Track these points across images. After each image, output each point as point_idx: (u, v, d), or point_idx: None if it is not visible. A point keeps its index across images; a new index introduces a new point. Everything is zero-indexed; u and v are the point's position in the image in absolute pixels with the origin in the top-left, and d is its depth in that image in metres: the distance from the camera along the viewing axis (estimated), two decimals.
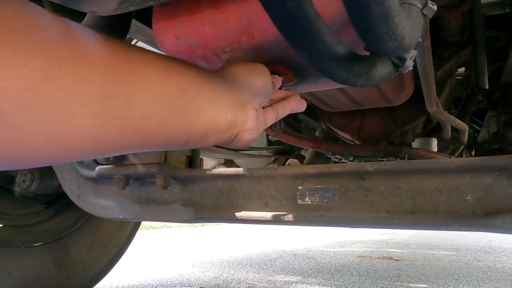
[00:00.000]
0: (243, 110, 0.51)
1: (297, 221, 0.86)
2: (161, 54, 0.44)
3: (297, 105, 0.66)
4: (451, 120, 1.19)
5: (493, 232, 0.71)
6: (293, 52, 0.56)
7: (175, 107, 0.40)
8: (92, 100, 0.32)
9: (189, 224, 6.07)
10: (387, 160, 1.28)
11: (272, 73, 0.63)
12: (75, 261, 1.49)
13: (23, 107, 0.27)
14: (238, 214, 0.94)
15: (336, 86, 0.70)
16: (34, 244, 1.36)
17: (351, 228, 0.91)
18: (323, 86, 0.70)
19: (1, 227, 1.40)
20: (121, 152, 0.39)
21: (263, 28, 0.53)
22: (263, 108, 0.58)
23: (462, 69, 1.79)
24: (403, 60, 0.42)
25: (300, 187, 0.89)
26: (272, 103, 0.63)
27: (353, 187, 0.84)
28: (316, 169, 0.86)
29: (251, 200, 0.94)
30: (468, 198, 0.74)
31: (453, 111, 1.58)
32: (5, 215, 1.38)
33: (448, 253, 3.46)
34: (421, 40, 0.45)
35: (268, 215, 0.89)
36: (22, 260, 1.31)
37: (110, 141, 0.35)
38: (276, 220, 0.89)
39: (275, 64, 0.60)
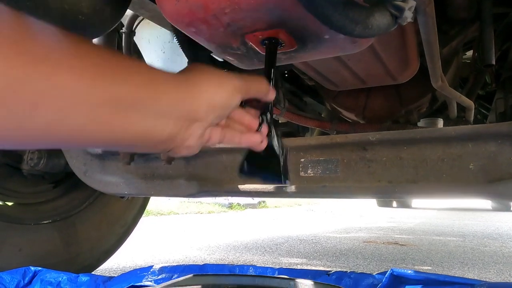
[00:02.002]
0: (188, 127, 0.44)
1: (299, 193, 0.87)
2: (114, 55, 0.39)
3: (250, 142, 0.56)
4: (457, 97, 1.18)
5: (495, 199, 0.71)
6: (293, 12, 0.56)
7: (96, 116, 0.36)
8: None
9: (197, 211, 6.13)
10: None
11: (272, 36, 0.63)
12: (83, 239, 1.52)
13: None
14: (241, 187, 0.94)
15: (337, 53, 0.70)
16: (43, 222, 1.39)
17: (353, 199, 0.92)
18: (324, 53, 0.70)
19: (11, 204, 1.43)
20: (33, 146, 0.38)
21: None
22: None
23: (470, 53, 1.77)
24: (401, 10, 0.42)
25: (302, 160, 0.89)
26: (226, 122, 0.54)
27: (356, 159, 0.84)
28: (318, 140, 0.86)
29: None
30: (471, 166, 0.74)
31: (460, 90, 1.57)
32: (15, 193, 1.41)
33: (455, 239, 3.46)
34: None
35: (270, 187, 0.90)
36: (31, 237, 1.34)
37: (12, 140, 0.33)
38: (278, 192, 0.89)
39: (275, 27, 0.60)
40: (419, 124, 1.51)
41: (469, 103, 1.26)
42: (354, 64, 1.11)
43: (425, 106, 1.44)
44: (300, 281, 0.88)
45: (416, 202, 10.27)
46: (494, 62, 1.16)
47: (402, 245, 2.97)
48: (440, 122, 1.50)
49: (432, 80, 1.03)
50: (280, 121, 2.01)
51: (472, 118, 1.43)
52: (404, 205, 9.83)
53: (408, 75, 1.20)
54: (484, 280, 1.14)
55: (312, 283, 0.88)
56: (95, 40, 1.08)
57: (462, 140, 0.74)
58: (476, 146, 0.73)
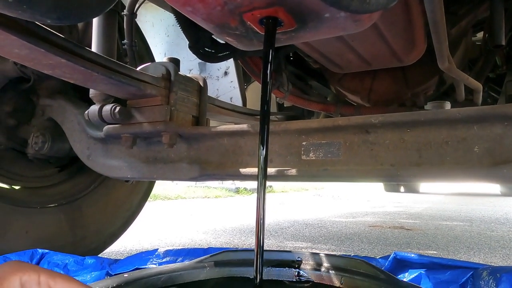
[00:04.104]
0: None
1: (301, 176, 0.86)
2: None
3: None
4: (464, 79, 1.15)
5: (500, 182, 0.69)
6: None
7: None
8: None
9: (204, 195, 6.18)
10: None
11: (271, 15, 0.61)
12: (89, 222, 1.54)
13: None
14: (243, 170, 0.94)
15: (338, 33, 0.68)
16: (49, 205, 1.41)
17: (360, 184, 0.91)
18: (325, 33, 0.68)
19: (18, 188, 1.44)
20: None
21: None
22: None
23: (480, 34, 1.72)
24: None
25: (304, 143, 0.88)
26: None
27: (358, 142, 0.83)
28: (320, 123, 0.85)
29: (256, 156, 0.94)
30: (476, 149, 0.72)
31: (469, 73, 1.53)
32: (21, 177, 1.42)
33: (461, 223, 3.44)
34: None
35: (272, 170, 0.89)
36: (38, 220, 1.35)
37: None
38: (280, 175, 0.89)
39: (274, 5, 0.58)
40: (426, 107, 1.49)
41: (477, 85, 1.23)
42: (358, 45, 1.08)
43: (432, 88, 1.42)
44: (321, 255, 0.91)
45: (424, 186, 10.24)
46: (504, 43, 1.13)
47: (408, 229, 2.97)
48: (448, 105, 1.47)
49: (439, 61, 1.00)
50: (285, 105, 2.00)
51: (480, 101, 1.40)
52: (411, 189, 9.81)
53: (415, 57, 1.18)
54: (489, 264, 1.14)
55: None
56: (94, 21, 1.06)
57: (467, 122, 0.72)
58: (481, 128, 0.71)
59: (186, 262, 0.91)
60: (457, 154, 0.73)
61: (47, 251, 1.27)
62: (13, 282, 0.36)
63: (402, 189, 9.89)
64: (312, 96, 1.61)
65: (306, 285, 0.89)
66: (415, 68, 1.31)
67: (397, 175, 0.77)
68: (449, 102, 1.45)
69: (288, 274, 0.90)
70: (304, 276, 0.90)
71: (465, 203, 6.06)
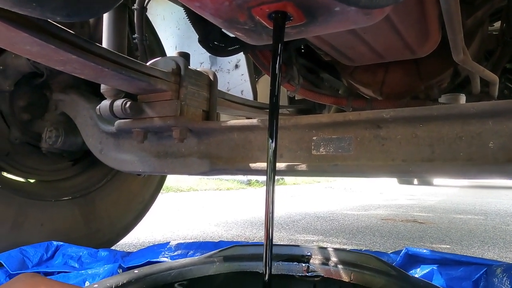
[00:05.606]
0: None
1: (311, 171, 0.86)
2: None
3: None
4: (480, 71, 1.12)
5: None
6: None
7: None
8: None
9: (216, 187, 6.22)
10: None
11: (280, 10, 0.60)
12: (103, 215, 1.56)
13: None
14: (253, 165, 0.94)
15: (349, 27, 0.67)
16: (63, 198, 1.43)
17: (366, 178, 0.90)
18: (335, 27, 0.66)
19: (33, 182, 1.47)
20: None
21: None
22: None
23: (498, 24, 1.67)
24: None
25: (314, 138, 0.87)
26: None
27: (369, 137, 0.82)
28: (330, 118, 0.84)
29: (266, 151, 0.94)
30: (490, 145, 0.70)
31: (485, 64, 1.49)
32: (36, 171, 1.45)
33: (476, 217, 3.39)
34: None
35: (282, 165, 0.89)
36: (53, 213, 1.38)
37: None
38: (290, 170, 0.88)
39: (283, 0, 0.57)
40: (440, 100, 1.46)
41: (493, 77, 1.20)
42: (370, 38, 1.06)
43: (446, 81, 1.39)
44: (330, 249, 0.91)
45: (438, 179, 10.10)
46: None
47: (421, 223, 2.94)
48: (462, 98, 1.44)
49: (453, 53, 0.98)
50: (296, 98, 1.98)
51: (496, 94, 1.37)
52: (425, 182, 9.69)
53: (429, 49, 1.15)
54: (504, 260, 1.12)
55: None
56: (105, 16, 1.07)
57: (482, 117, 0.70)
58: (496, 123, 0.69)
59: (196, 257, 0.92)
60: (471, 149, 0.71)
61: (61, 243, 1.29)
62: None
63: (415, 181, 9.77)
64: (324, 89, 1.59)
65: (315, 279, 0.89)
66: (428, 60, 1.28)
67: (408, 170, 0.75)
68: (464, 95, 1.42)
69: (297, 268, 0.90)
70: (314, 271, 0.90)
71: (480, 196, 5.96)
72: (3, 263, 1.13)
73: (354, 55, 1.21)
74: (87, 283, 1.01)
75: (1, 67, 1.26)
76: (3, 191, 1.24)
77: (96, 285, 0.72)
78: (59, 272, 1.16)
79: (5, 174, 1.39)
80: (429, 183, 9.74)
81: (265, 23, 0.64)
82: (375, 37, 1.08)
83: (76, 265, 1.23)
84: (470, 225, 2.84)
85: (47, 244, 1.28)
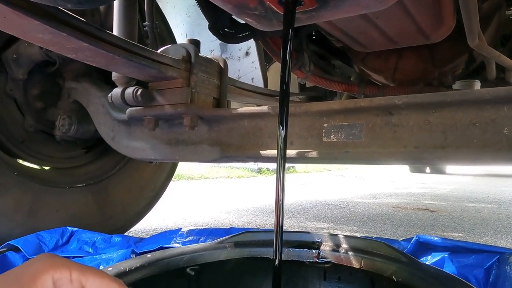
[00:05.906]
0: None
1: (321, 158, 0.86)
2: None
3: None
4: (496, 56, 1.09)
5: None
6: None
7: None
8: None
9: (226, 175, 6.25)
10: None
11: None
12: (116, 202, 1.59)
13: None
14: (263, 152, 0.94)
15: (361, 11, 0.66)
16: (77, 185, 1.46)
17: (377, 166, 0.89)
18: (347, 11, 0.65)
19: (48, 169, 1.50)
20: None
21: None
22: None
23: None
24: None
25: (325, 125, 0.87)
26: None
27: (381, 123, 0.81)
28: (341, 105, 0.83)
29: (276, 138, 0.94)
30: (505, 131, 0.69)
31: (501, 49, 1.46)
32: (50, 158, 1.48)
33: (489, 205, 3.35)
34: None
35: (292, 152, 0.89)
36: (67, 199, 1.41)
37: None
38: (300, 158, 0.88)
39: None
40: (454, 86, 1.43)
41: (509, 63, 1.17)
42: (383, 23, 1.04)
43: (461, 67, 1.36)
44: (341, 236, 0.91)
45: (450, 167, 9.98)
46: None
47: (433, 211, 2.92)
48: (477, 84, 1.41)
49: (469, 38, 0.96)
50: (306, 85, 1.97)
51: None
52: (437, 170, 9.58)
53: (443, 34, 1.13)
54: None
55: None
56: (115, 4, 1.07)
57: (497, 102, 0.69)
58: None
59: (207, 243, 0.93)
60: (485, 136, 0.70)
61: (76, 229, 1.32)
62: (46, 281, 0.36)
63: (427, 169, 9.68)
64: (335, 76, 1.58)
65: (326, 266, 0.90)
66: (443, 46, 1.25)
67: (421, 157, 0.75)
68: (478, 81, 1.39)
69: (307, 255, 0.91)
70: (324, 257, 0.90)
71: (494, 185, 5.88)
72: (20, 248, 1.16)
73: (366, 40, 1.19)
74: (101, 267, 1.04)
75: (14, 56, 1.27)
76: (19, 178, 1.27)
77: (110, 268, 0.74)
78: (74, 257, 1.18)
79: (20, 161, 1.42)
80: (442, 172, 9.63)
81: (275, 8, 0.63)
82: (387, 22, 1.06)
83: (91, 250, 1.26)
84: (483, 214, 2.82)
85: (62, 230, 1.31)
